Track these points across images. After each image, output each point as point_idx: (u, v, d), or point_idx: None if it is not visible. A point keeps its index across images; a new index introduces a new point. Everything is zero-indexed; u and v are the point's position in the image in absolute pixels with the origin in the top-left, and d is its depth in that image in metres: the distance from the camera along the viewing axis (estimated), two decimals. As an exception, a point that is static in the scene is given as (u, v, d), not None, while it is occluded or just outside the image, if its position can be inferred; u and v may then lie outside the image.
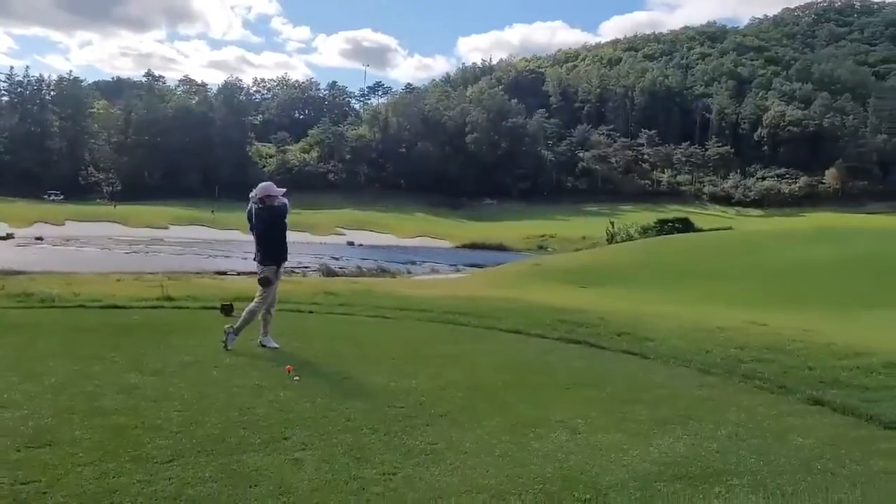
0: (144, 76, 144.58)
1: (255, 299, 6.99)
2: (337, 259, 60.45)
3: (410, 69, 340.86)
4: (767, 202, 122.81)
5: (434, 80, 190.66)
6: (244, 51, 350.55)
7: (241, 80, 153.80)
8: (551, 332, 8.40)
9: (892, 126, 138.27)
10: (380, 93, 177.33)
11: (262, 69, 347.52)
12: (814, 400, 5.94)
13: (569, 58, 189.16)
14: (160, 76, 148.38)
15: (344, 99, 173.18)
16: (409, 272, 42.14)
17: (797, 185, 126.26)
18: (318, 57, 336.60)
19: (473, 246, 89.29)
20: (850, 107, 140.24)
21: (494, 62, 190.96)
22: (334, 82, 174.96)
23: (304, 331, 7.84)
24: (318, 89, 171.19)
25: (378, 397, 5.36)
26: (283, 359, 6.49)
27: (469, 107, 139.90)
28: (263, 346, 6.91)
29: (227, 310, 8.59)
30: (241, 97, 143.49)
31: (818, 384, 6.65)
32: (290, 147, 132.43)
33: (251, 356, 6.65)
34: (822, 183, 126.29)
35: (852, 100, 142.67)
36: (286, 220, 7.08)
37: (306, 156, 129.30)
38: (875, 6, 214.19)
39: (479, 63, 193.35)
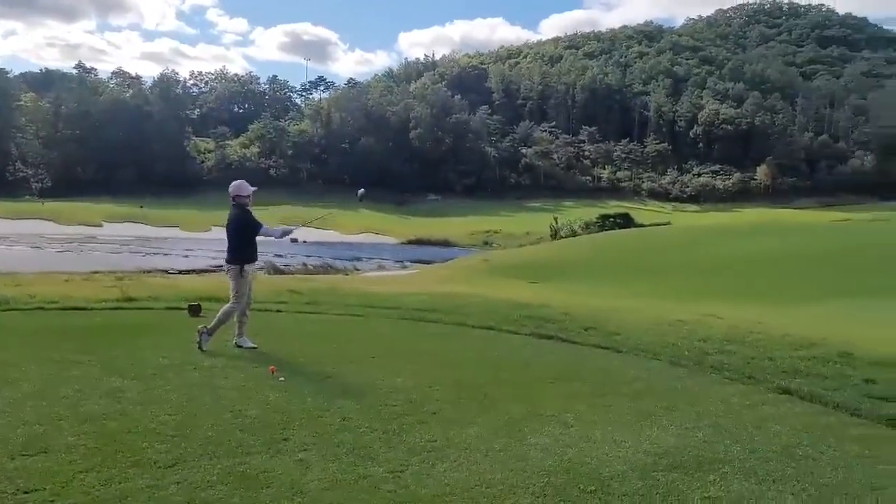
0: (75, 68, 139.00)
1: (231, 300, 6.88)
2: (281, 256, 59.49)
3: (351, 63, 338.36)
4: (703, 198, 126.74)
5: (376, 75, 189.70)
6: (178, 43, 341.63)
7: (177, 73, 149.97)
8: (521, 328, 8.52)
9: (818, 125, 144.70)
10: (322, 87, 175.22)
11: (198, 62, 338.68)
12: (782, 389, 6.22)
13: (511, 55, 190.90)
14: (92, 68, 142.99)
15: (285, 93, 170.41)
16: (355, 269, 41.88)
17: (731, 181, 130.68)
18: (257, 50, 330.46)
19: (418, 242, 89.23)
20: (779, 106, 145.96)
21: (437, 58, 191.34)
22: (275, 76, 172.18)
23: (278, 330, 7.75)
24: (258, 83, 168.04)
25: (368, 396, 5.36)
26: (262, 359, 6.41)
27: (413, 102, 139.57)
28: (239, 346, 6.80)
29: (194, 310, 8.41)
30: (177, 90, 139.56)
31: (782, 374, 6.96)
32: (229, 142, 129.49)
33: (229, 357, 6.54)
34: (754, 179, 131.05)
35: (781, 99, 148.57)
36: (255, 220, 6.97)
37: (247, 151, 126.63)
38: (802, 9, 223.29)
39: (421, 59, 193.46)
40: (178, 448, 4.08)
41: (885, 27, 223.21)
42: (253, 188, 6.99)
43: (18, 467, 3.69)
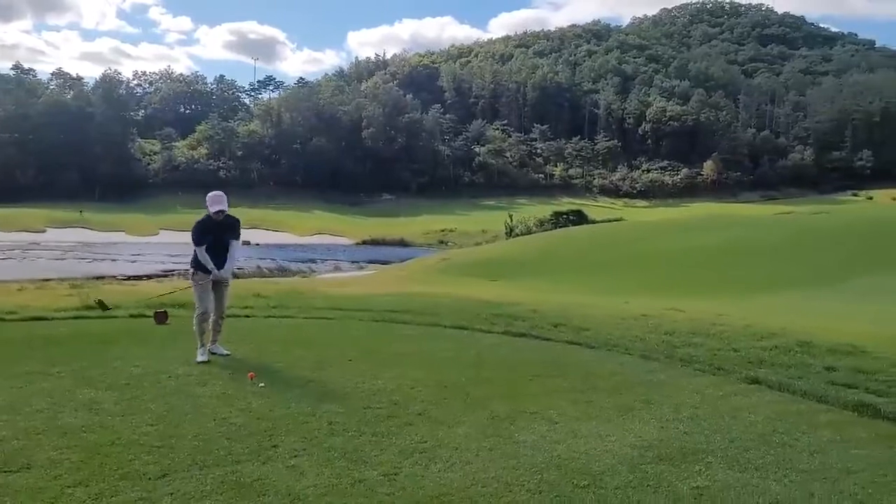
0: (12, 69, 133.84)
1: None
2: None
3: (299, 63, 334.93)
4: (652, 193, 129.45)
5: (327, 74, 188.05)
6: (120, 42, 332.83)
7: (119, 74, 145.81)
8: (493, 327, 8.59)
9: (759, 121, 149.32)
10: (271, 87, 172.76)
11: (141, 62, 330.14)
12: (750, 379, 6.42)
13: (462, 53, 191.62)
14: (30, 69, 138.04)
15: (233, 93, 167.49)
16: (311, 271, 41.48)
17: (679, 176, 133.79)
18: (202, 49, 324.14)
19: (374, 242, 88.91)
20: (723, 103, 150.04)
21: (388, 57, 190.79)
22: (222, 76, 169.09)
23: (248, 335, 7.64)
24: (205, 83, 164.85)
25: (351, 399, 5.34)
26: (237, 366, 6.32)
27: (364, 101, 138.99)
28: (213, 353, 6.70)
29: (160, 317, 8.23)
30: (121, 91, 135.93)
31: (748, 364, 7.18)
32: (176, 143, 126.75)
33: (203, 364, 6.43)
34: (701, 174, 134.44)
35: (725, 96, 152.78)
36: (200, 230, 6.80)
37: (194, 152, 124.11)
38: (742, 8, 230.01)
39: (371, 57, 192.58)
40: (165, 459, 4.00)
41: (821, 25, 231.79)
42: (217, 195, 6.85)
43: (2, 484, 3.57)
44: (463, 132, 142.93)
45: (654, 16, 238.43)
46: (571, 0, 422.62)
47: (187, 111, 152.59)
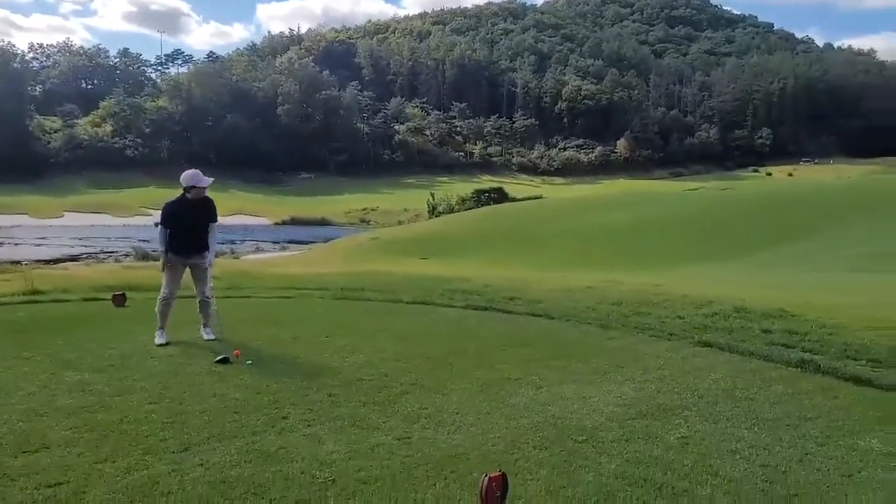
0: None
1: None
2: (147, 241, 56.37)
3: (206, 36, 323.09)
4: (569, 171, 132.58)
5: (238, 49, 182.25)
6: (10, 12, 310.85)
7: (13, 46, 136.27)
8: (454, 302, 8.86)
9: (669, 100, 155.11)
10: (179, 62, 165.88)
11: (34, 33, 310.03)
12: (702, 343, 6.96)
13: (378, 29, 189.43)
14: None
15: (138, 68, 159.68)
16: (232, 252, 40.52)
17: (594, 154, 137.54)
18: (99, 20, 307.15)
19: (294, 222, 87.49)
20: (635, 82, 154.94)
21: (303, 32, 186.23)
22: (126, 49, 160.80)
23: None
24: (108, 57, 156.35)
25: (342, 373, 5.49)
26: (214, 345, 6.35)
27: (279, 78, 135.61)
28: (202, 337, 6.66)
29: (118, 299, 8.06)
30: (14, 65, 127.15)
31: (694, 329, 7.74)
32: (78, 121, 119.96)
33: (178, 344, 6.41)
34: (615, 152, 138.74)
35: (637, 76, 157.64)
36: (170, 211, 6.72)
37: (98, 130, 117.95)
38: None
39: (286, 32, 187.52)
40: (180, 434, 4.07)
41: (724, 8, 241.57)
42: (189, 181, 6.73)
43: (27, 464, 3.56)
44: (382, 110, 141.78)
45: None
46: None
47: (89, 86, 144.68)
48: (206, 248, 6.71)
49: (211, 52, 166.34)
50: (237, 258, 27.98)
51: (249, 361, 5.71)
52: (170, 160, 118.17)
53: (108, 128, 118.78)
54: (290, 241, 56.27)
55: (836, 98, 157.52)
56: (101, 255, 44.84)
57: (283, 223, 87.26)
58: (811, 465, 3.94)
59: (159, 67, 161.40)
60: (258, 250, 45.65)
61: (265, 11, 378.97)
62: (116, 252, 47.65)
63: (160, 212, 6.67)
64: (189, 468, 3.59)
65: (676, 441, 4.23)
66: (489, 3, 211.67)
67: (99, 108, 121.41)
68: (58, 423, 4.19)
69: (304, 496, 3.32)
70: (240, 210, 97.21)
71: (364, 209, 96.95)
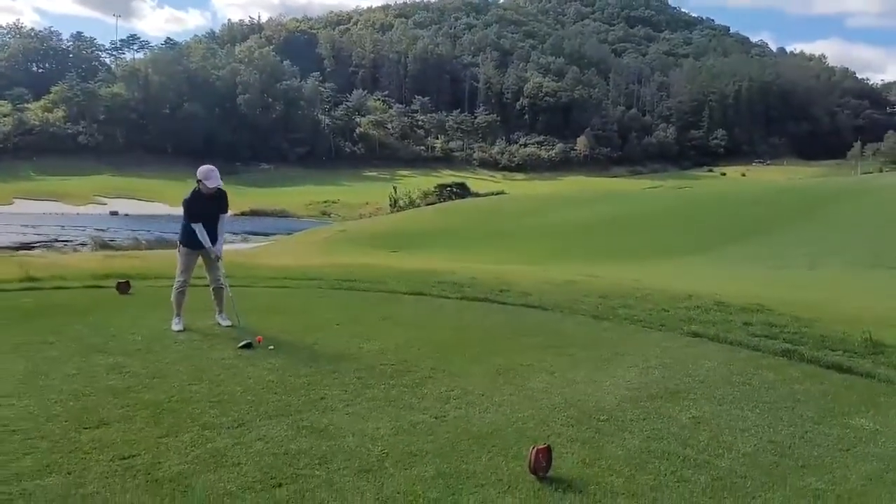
0: None
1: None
2: (103, 231, 55.09)
3: (160, 21, 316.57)
4: (530, 167, 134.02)
5: (196, 36, 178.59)
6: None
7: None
8: (450, 294, 9.11)
9: (628, 99, 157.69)
10: (135, 47, 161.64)
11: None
12: (692, 333, 7.37)
13: (341, 20, 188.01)
14: None
15: (92, 52, 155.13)
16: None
17: (554, 151, 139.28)
18: (48, 2, 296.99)
19: (254, 213, 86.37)
20: (595, 80, 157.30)
21: (263, 20, 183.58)
22: (80, 33, 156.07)
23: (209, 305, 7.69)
24: (60, 40, 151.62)
25: (364, 358, 5.70)
26: (232, 333, 6.50)
27: (239, 66, 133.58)
28: (218, 323, 6.80)
29: (122, 287, 8.11)
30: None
31: (680, 322, 8.15)
32: (28, 105, 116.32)
33: (196, 331, 6.54)
34: (574, 149, 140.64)
35: (597, 74, 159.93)
36: (192, 206, 6.82)
37: (50, 115, 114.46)
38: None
39: (246, 20, 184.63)
40: (230, 411, 4.26)
41: (682, 10, 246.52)
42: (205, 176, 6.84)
43: (95, 438, 3.71)
44: (343, 102, 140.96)
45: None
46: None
47: (41, 70, 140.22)
48: (216, 237, 6.84)
49: (169, 38, 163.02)
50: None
51: (272, 347, 5.89)
52: (125, 148, 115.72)
53: (60, 113, 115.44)
54: (251, 233, 55.72)
55: (787, 101, 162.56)
56: (57, 244, 43.83)
57: (243, 214, 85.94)
58: (812, 441, 4.34)
59: (114, 53, 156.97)
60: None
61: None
62: (72, 241, 46.62)
63: (182, 209, 6.76)
64: (250, 442, 3.80)
65: (689, 420, 4.59)
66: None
67: (51, 92, 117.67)
68: (107, 402, 4.34)
69: (365, 466, 3.57)
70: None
71: (325, 202, 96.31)
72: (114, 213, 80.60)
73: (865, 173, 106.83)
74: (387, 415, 4.37)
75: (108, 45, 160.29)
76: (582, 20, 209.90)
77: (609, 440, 4.17)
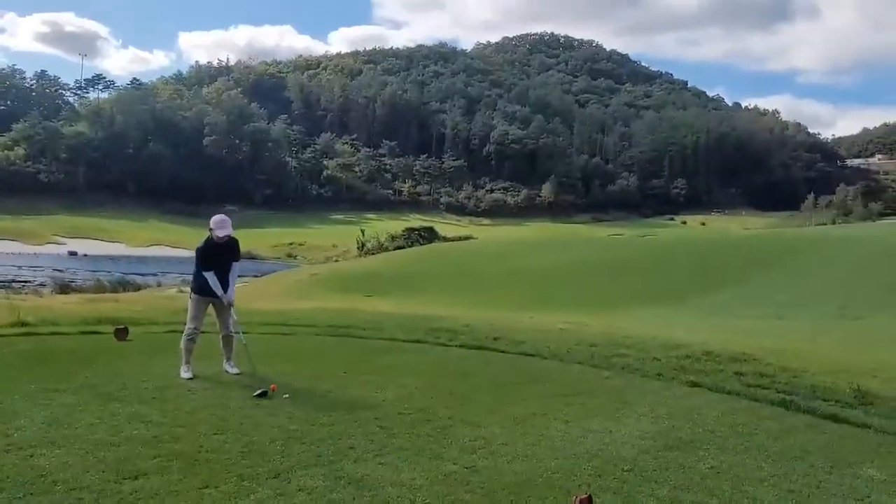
0: None
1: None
2: (61, 272, 53.86)
3: (125, 61, 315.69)
4: (496, 212, 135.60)
5: (163, 77, 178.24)
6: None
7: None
8: (447, 341, 9.20)
9: (591, 148, 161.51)
10: (100, 86, 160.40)
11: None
12: (691, 383, 7.55)
13: (310, 65, 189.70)
14: None
15: (56, 91, 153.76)
16: (159, 284, 39.41)
17: (520, 197, 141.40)
18: (10, 40, 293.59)
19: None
20: (560, 129, 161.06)
21: (231, 63, 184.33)
22: (43, 71, 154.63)
23: (218, 352, 7.68)
24: (24, 78, 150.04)
25: (380, 407, 5.73)
26: (242, 381, 6.48)
27: (207, 108, 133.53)
28: (226, 371, 6.77)
29: (121, 333, 8.02)
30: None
31: (674, 371, 8.35)
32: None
33: (206, 379, 6.50)
34: (540, 196, 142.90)
35: (562, 123, 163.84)
36: (204, 255, 6.87)
37: (11, 153, 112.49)
38: (576, 42, 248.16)
39: (213, 63, 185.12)
40: (264, 462, 4.24)
41: (642, 64, 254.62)
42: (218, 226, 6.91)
43: (137, 489, 3.66)
44: (311, 145, 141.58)
45: (497, 43, 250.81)
46: (411, 20, 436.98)
47: (2, 107, 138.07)
48: (227, 285, 6.86)
49: (135, 78, 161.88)
50: (173, 290, 27.27)
51: (287, 395, 5.89)
52: (86, 187, 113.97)
53: (22, 151, 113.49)
54: (216, 275, 54.90)
55: (744, 153, 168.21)
56: (15, 285, 42.68)
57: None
58: (828, 491, 4.51)
59: (79, 92, 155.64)
60: (185, 283, 44.26)
61: (188, 40, 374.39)
62: (31, 281, 45.45)
63: (195, 257, 6.80)
64: (292, 493, 3.81)
65: (708, 470, 4.73)
66: (420, 46, 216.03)
67: (12, 130, 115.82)
68: (139, 451, 4.30)
69: (412, 517, 3.62)
70: (160, 241, 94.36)
71: (291, 244, 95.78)
72: (73, 254, 78.95)
73: (820, 224, 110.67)
74: (418, 465, 4.41)
75: (72, 84, 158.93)
76: (547, 71, 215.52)
77: (638, 490, 4.28)
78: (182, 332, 6.90)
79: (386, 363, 7.57)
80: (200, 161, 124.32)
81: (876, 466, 5.05)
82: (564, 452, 4.88)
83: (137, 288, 36.21)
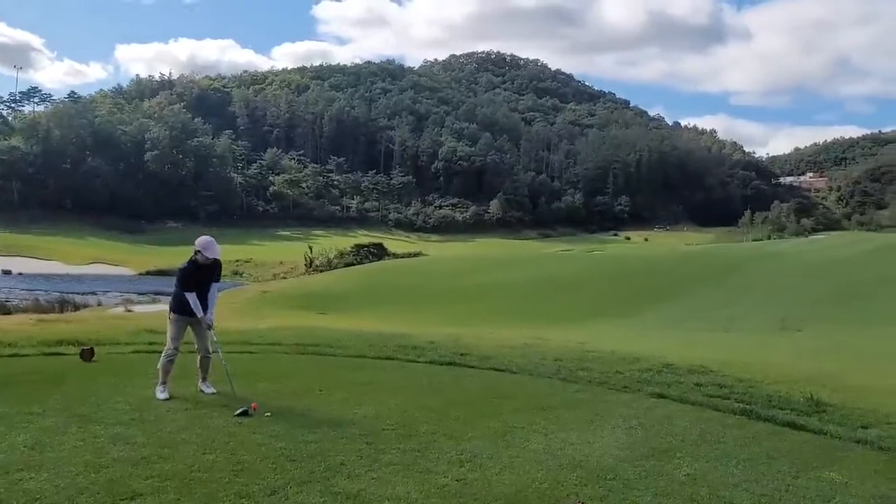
0: None
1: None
2: (-10, 292, 51.74)
3: (59, 74, 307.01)
4: (444, 228, 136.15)
5: (102, 90, 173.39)
6: None
7: None
8: (417, 358, 9.29)
9: (538, 165, 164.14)
10: (36, 99, 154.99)
11: None
12: (656, 395, 7.83)
13: (255, 80, 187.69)
14: None
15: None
16: (99, 304, 38.25)
17: (468, 213, 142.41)
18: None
19: (160, 273, 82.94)
20: (507, 146, 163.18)
21: (174, 77, 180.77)
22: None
23: (190, 371, 7.59)
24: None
25: (363, 423, 5.78)
26: (217, 401, 6.44)
27: (148, 122, 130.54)
28: (202, 391, 6.69)
29: (86, 355, 7.83)
30: None
31: (638, 384, 8.63)
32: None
33: (183, 399, 6.43)
34: (488, 212, 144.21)
35: (509, 140, 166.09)
36: (187, 276, 6.84)
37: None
38: (521, 61, 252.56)
39: (154, 76, 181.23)
40: (258, 480, 4.24)
41: (586, 83, 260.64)
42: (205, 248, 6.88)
43: (131, 513, 3.71)
44: (257, 160, 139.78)
45: (444, 61, 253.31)
46: (356, 37, 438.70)
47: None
48: (207, 308, 6.81)
49: (73, 91, 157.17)
50: (118, 310, 26.53)
51: (268, 414, 5.89)
52: (20, 203, 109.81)
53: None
54: (159, 293, 53.66)
55: (684, 171, 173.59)
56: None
57: (149, 273, 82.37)
58: (798, 494, 4.78)
59: (13, 105, 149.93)
60: (126, 301, 43.17)
61: (126, 52, 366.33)
62: (-40, 301, 43.49)
63: (177, 277, 6.76)
64: (294, 509, 3.86)
65: (685, 478, 4.95)
66: (368, 63, 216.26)
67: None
68: (129, 473, 4.26)
69: (413, 531, 3.70)
70: (99, 259, 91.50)
71: (237, 261, 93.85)
72: (7, 272, 75.81)
73: (756, 240, 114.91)
74: (410, 479, 4.50)
75: (6, 97, 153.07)
76: (493, 89, 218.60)
77: (623, 498, 4.46)
78: (158, 353, 6.82)
79: (360, 380, 7.61)
80: (142, 177, 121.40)
81: (837, 470, 5.36)
82: (548, 464, 5.04)
83: (77, 307, 35.10)
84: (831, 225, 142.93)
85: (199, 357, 6.86)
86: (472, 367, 8.92)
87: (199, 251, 6.70)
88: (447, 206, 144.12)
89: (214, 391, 6.67)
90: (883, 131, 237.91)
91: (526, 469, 4.88)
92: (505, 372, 8.69)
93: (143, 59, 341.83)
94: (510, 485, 4.53)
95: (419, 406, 6.53)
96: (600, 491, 4.55)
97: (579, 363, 9.71)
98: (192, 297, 6.60)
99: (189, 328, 6.86)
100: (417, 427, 5.78)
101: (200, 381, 6.80)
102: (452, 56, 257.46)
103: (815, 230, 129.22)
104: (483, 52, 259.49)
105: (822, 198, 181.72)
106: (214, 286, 6.94)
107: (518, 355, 10.11)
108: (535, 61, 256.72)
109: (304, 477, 4.41)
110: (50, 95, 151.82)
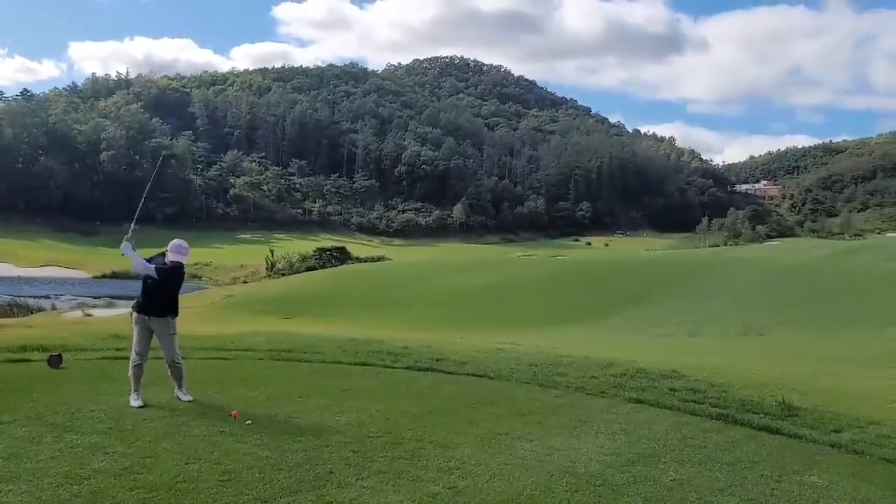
0: None
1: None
2: (-63, 295, 49.91)
3: (10, 71, 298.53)
4: (407, 233, 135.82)
5: (56, 88, 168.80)
6: None
7: None
8: (392, 364, 9.19)
9: (500, 170, 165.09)
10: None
11: None
12: (634, 400, 7.89)
13: (216, 81, 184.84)
14: None
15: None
16: (53, 307, 37.18)
17: (431, 218, 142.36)
18: None
19: (115, 276, 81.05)
20: (470, 151, 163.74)
21: (132, 76, 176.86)
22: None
23: (165, 378, 7.39)
24: None
25: (347, 431, 5.68)
26: (195, 407, 6.29)
27: (104, 122, 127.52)
28: (178, 398, 6.50)
29: (54, 361, 7.55)
30: None
31: (613, 389, 8.68)
32: None
33: (159, 407, 6.24)
34: (451, 217, 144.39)
35: (472, 145, 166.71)
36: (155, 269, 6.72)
37: None
38: (485, 67, 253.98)
39: (110, 75, 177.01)
40: (247, 490, 4.12)
41: (548, 90, 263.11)
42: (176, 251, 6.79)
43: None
44: (217, 162, 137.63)
45: (408, 65, 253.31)
46: (317, 39, 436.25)
47: None
48: (167, 311, 6.64)
49: (25, 89, 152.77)
50: (90, 315, 25.87)
51: (249, 422, 5.76)
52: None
53: None
54: (116, 297, 52.38)
55: (643, 177, 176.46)
56: None
57: (104, 276, 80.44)
58: (782, 498, 4.85)
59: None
60: (81, 305, 42.10)
61: (79, 50, 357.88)
62: None
63: (153, 265, 6.59)
64: (286, 520, 3.77)
65: (672, 482, 4.98)
66: (331, 66, 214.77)
67: None
68: (111, 484, 4.11)
69: (410, 540, 3.65)
70: (53, 262, 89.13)
71: (196, 264, 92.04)
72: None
73: (713, 246, 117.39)
74: (401, 487, 4.44)
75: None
76: (457, 94, 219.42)
77: (614, 504, 4.48)
78: (127, 359, 6.65)
79: (338, 386, 7.51)
80: (97, 177, 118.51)
81: (817, 474, 5.46)
82: (537, 470, 5.02)
83: (30, 311, 34.03)
84: (785, 232, 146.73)
85: (167, 364, 6.64)
86: (450, 372, 8.88)
87: (167, 251, 6.59)
88: (410, 210, 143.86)
89: (191, 398, 6.50)
90: (833, 141, 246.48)
91: (516, 476, 4.86)
92: (483, 377, 8.66)
93: (97, 58, 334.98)
94: (501, 492, 4.50)
95: (401, 413, 6.46)
96: (591, 497, 4.55)
97: (554, 368, 9.74)
98: (138, 260, 6.52)
99: (154, 336, 6.67)
100: (402, 434, 5.71)
101: (176, 388, 6.62)
102: (416, 60, 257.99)
103: (769, 237, 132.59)
104: (447, 57, 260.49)
105: (776, 205, 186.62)
106: (176, 292, 6.81)
107: (493, 360, 10.10)
108: (499, 67, 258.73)
109: (293, 486, 4.32)
110: (1, 93, 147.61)
